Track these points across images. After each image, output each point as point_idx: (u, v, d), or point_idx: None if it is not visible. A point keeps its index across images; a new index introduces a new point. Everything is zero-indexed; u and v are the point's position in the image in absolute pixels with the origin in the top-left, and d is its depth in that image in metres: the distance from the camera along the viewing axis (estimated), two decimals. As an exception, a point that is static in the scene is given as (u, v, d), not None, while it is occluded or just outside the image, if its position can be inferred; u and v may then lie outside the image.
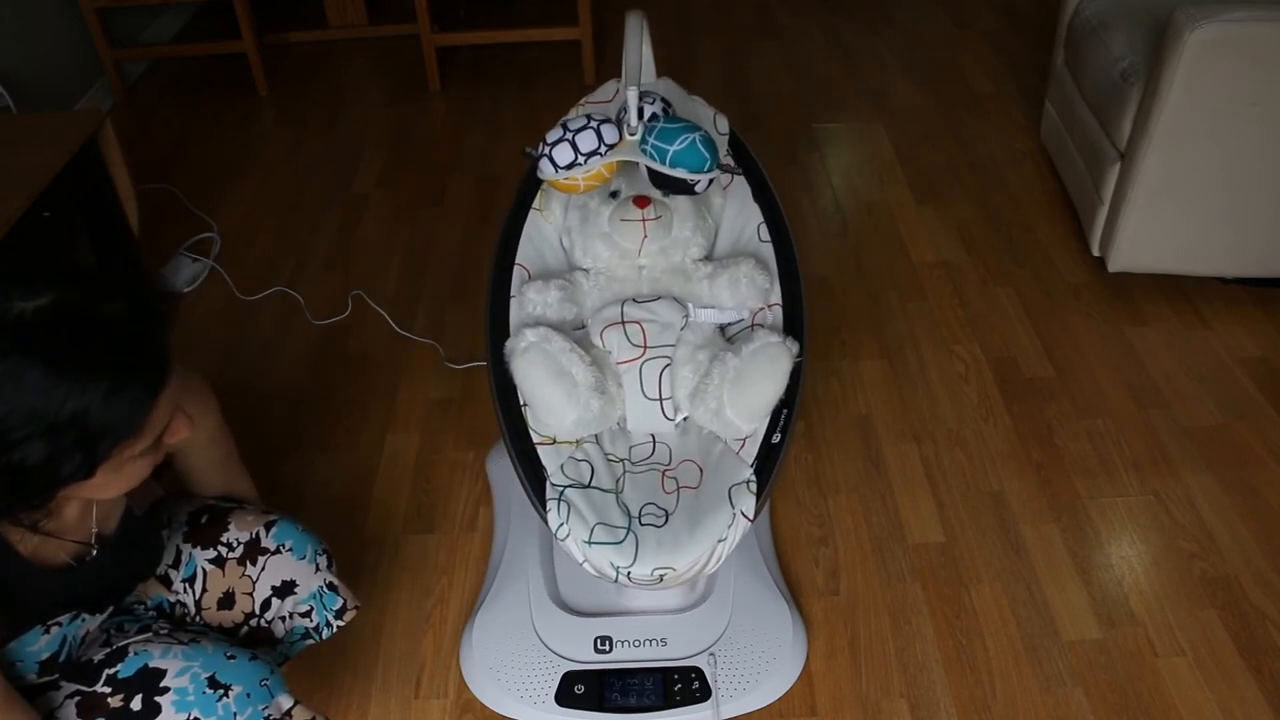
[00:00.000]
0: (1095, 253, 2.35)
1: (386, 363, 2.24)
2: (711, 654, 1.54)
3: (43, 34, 3.01)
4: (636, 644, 1.55)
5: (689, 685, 1.51)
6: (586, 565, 1.31)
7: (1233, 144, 2.06)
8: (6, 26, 2.83)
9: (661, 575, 1.29)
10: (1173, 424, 2.02)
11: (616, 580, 1.31)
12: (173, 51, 3.59)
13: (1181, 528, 1.81)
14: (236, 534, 1.30)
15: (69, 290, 0.92)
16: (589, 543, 1.31)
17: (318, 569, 1.33)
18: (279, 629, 1.32)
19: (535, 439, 1.42)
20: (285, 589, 1.30)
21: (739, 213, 1.65)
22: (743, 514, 1.33)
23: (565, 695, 1.50)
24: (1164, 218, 2.19)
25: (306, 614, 1.33)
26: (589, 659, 1.53)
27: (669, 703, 1.49)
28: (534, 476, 1.39)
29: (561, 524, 1.32)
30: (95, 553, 1.12)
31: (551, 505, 1.34)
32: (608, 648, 1.55)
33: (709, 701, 1.50)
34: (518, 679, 1.53)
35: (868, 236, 2.59)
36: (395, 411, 2.11)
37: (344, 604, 1.36)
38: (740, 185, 1.67)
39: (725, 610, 1.59)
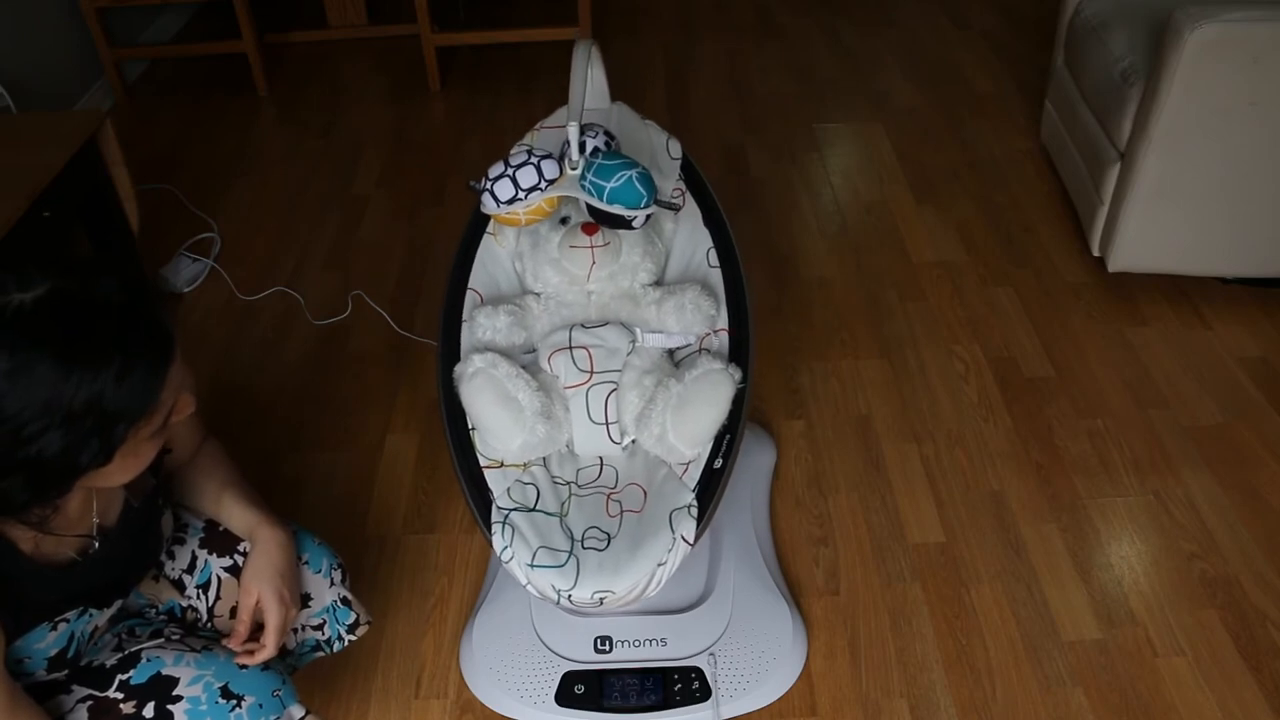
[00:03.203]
0: (1095, 253, 2.35)
1: (386, 363, 2.24)
2: (711, 654, 1.54)
3: (43, 34, 3.01)
4: (636, 644, 1.55)
5: (689, 685, 1.51)
6: (529, 587, 1.33)
7: (1233, 144, 2.06)
8: (6, 26, 2.83)
9: (601, 598, 1.31)
10: (1173, 424, 2.02)
11: (558, 603, 1.32)
12: (173, 51, 3.60)
13: (1181, 528, 1.81)
14: None
15: (63, 278, 0.92)
16: (531, 565, 1.32)
17: (332, 583, 1.33)
18: (290, 640, 1.32)
19: (483, 462, 1.43)
20: (299, 601, 1.30)
21: (689, 238, 1.67)
22: (683, 538, 1.34)
23: (565, 695, 1.50)
24: (1164, 218, 2.19)
25: (319, 627, 1.33)
26: (589, 659, 1.53)
27: (669, 703, 1.49)
28: (480, 499, 1.40)
29: (506, 547, 1.34)
30: (97, 545, 1.12)
31: (496, 528, 1.36)
32: (608, 648, 1.55)
33: (709, 701, 1.50)
34: (518, 679, 1.53)
35: (867, 236, 2.59)
36: (395, 411, 2.11)
37: (357, 619, 1.36)
38: (691, 210, 1.68)
39: (725, 610, 1.59)
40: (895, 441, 2.00)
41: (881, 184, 2.80)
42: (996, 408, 2.07)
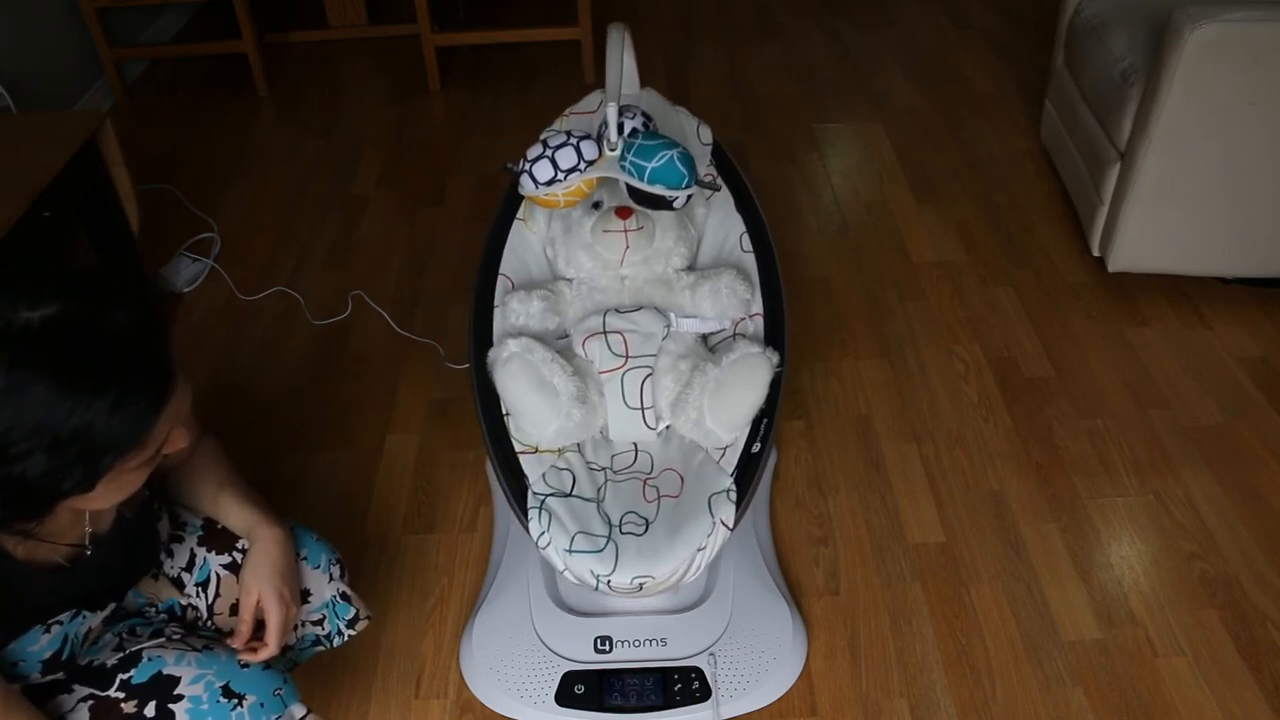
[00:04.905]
0: (1095, 253, 2.35)
1: (386, 363, 2.24)
2: (711, 654, 1.54)
3: (43, 34, 3.01)
4: (636, 644, 1.55)
5: (689, 685, 1.51)
6: (567, 573, 1.32)
7: (1233, 144, 2.06)
8: (6, 26, 2.83)
9: (641, 584, 1.30)
10: (1173, 424, 2.02)
11: (597, 588, 1.31)
12: (173, 51, 3.60)
13: (1181, 528, 1.81)
14: None
15: (75, 300, 0.91)
16: (569, 551, 1.31)
17: (331, 578, 1.33)
18: (291, 636, 1.32)
19: (517, 448, 1.42)
20: (300, 599, 1.30)
21: (721, 223, 1.66)
22: (722, 523, 1.33)
23: (565, 695, 1.50)
24: (1164, 218, 2.19)
25: (318, 622, 1.33)
26: (589, 659, 1.53)
27: (669, 703, 1.49)
28: (516, 485, 1.39)
29: (543, 532, 1.33)
30: (89, 553, 1.12)
31: (533, 514, 1.35)
32: (608, 648, 1.55)
33: (709, 701, 1.50)
34: (518, 679, 1.53)
35: (868, 236, 2.59)
36: (395, 411, 2.11)
37: (356, 614, 1.36)
38: (723, 195, 1.67)
39: (725, 610, 1.59)
40: (895, 441, 2.00)
41: (881, 184, 2.80)
42: (996, 408, 2.07)
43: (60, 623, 1.10)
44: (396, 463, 1.99)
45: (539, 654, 1.55)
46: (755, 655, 1.55)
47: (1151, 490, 1.89)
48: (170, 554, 1.27)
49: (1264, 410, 2.04)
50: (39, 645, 1.09)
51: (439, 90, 3.37)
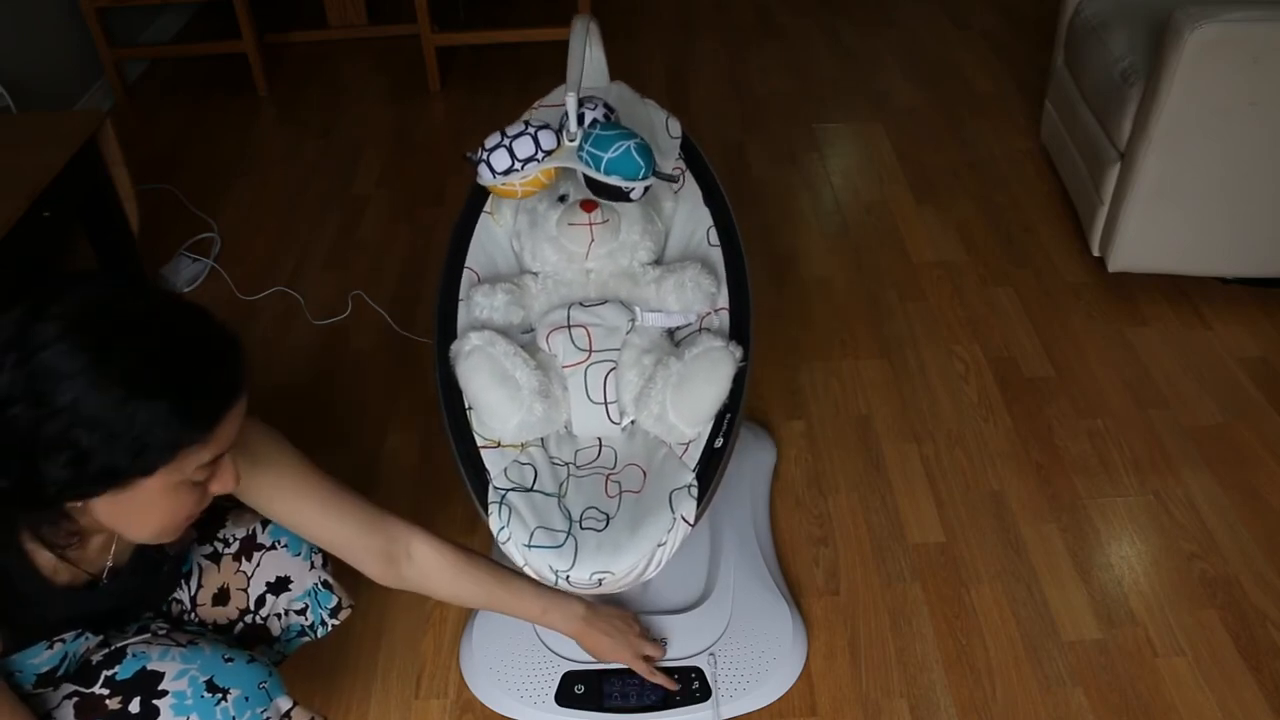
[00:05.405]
0: (1095, 253, 2.35)
1: (386, 363, 2.24)
2: (711, 654, 1.54)
3: (43, 34, 3.01)
4: (636, 644, 1.55)
5: (689, 685, 1.51)
6: (527, 568, 1.31)
7: (1233, 144, 2.06)
8: (6, 26, 2.83)
9: (600, 579, 1.29)
10: (1173, 424, 2.02)
11: (556, 583, 1.31)
12: (173, 51, 3.60)
13: (1181, 528, 1.81)
14: (233, 530, 1.30)
15: (171, 305, 0.97)
16: (529, 546, 1.30)
17: (312, 566, 1.33)
18: (274, 626, 1.32)
19: (480, 442, 1.41)
20: (280, 585, 1.30)
21: (689, 217, 1.65)
22: (683, 518, 1.32)
23: (565, 695, 1.50)
24: (1164, 218, 2.19)
25: (301, 611, 1.33)
26: (589, 659, 1.53)
27: (669, 703, 1.49)
28: (477, 479, 1.38)
29: (503, 527, 1.32)
30: (105, 580, 1.14)
31: (493, 509, 1.34)
32: (608, 648, 1.54)
33: (709, 701, 1.50)
34: (518, 679, 1.53)
35: (868, 236, 2.59)
36: (395, 411, 2.11)
37: (339, 602, 1.36)
38: (691, 189, 1.66)
39: (725, 610, 1.59)
40: (895, 441, 2.00)
41: (881, 184, 2.80)
42: (996, 408, 2.07)
43: (64, 640, 1.12)
44: (396, 463, 1.99)
45: (539, 654, 1.55)
46: (755, 655, 1.55)
47: (1151, 490, 1.89)
48: (184, 588, 1.29)
49: (1264, 410, 2.04)
50: (40, 659, 1.10)
51: (439, 90, 3.37)
